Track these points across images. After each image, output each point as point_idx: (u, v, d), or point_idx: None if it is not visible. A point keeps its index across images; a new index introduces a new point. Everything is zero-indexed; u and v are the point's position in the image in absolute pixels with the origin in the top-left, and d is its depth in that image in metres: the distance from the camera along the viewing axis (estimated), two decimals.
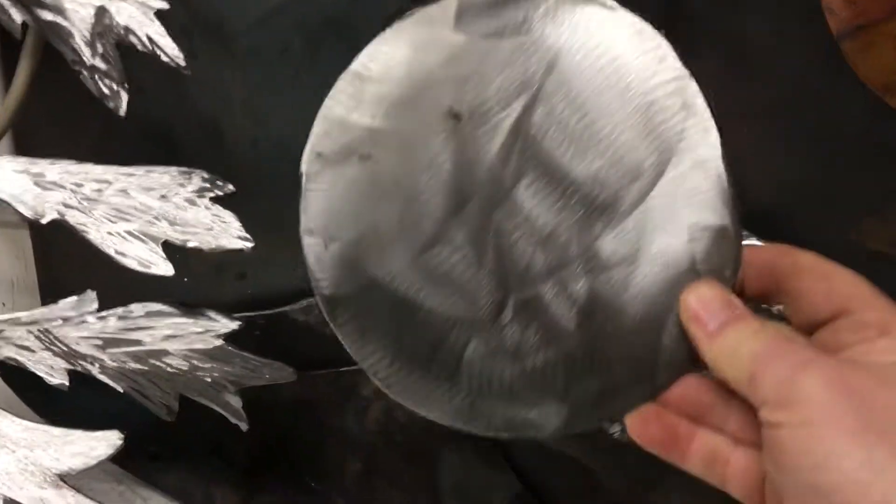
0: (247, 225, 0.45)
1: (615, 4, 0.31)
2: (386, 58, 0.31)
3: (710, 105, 0.30)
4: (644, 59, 0.30)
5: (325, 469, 0.56)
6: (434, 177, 0.31)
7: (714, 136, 0.30)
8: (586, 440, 0.51)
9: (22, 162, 0.44)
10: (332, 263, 0.32)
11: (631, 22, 0.31)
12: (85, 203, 0.44)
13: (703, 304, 0.29)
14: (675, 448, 0.31)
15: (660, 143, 0.30)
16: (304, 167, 0.32)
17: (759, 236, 0.47)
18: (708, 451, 0.31)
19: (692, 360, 0.31)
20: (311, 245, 0.32)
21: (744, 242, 0.49)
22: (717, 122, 0.31)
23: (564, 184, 0.31)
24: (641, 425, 0.31)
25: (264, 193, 0.51)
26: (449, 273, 0.32)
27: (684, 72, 0.30)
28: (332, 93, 0.32)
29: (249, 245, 0.44)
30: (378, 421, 0.55)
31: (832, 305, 0.30)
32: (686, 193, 0.30)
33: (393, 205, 0.32)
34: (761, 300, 0.31)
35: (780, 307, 0.33)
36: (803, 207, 0.49)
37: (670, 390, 0.31)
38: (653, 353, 0.30)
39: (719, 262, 0.30)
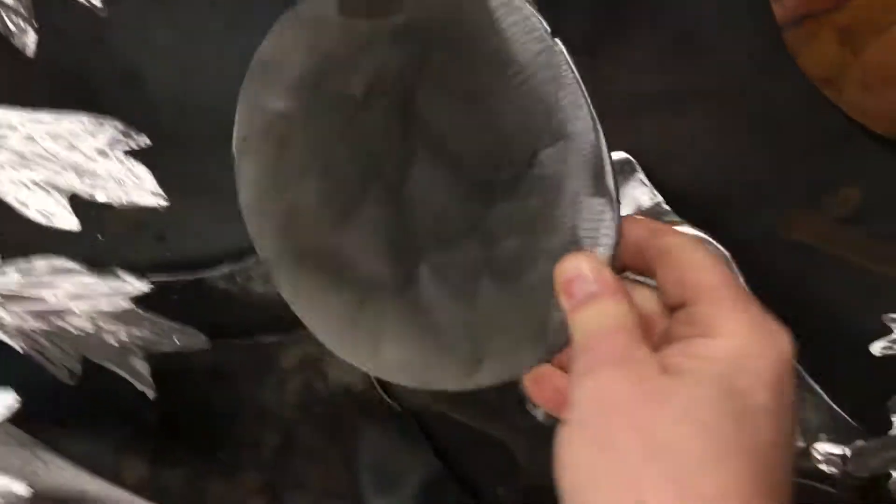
0: (165, 183, 0.43)
1: None
2: (282, 44, 0.33)
3: (577, 77, 0.30)
4: (516, 31, 0.30)
5: (240, 442, 0.54)
6: (342, 155, 0.33)
7: (584, 109, 0.30)
8: (506, 420, 0.51)
9: None
10: (265, 234, 0.34)
11: None
12: None
13: (573, 275, 0.29)
14: (562, 407, 0.30)
15: (537, 116, 0.31)
16: (234, 148, 0.34)
17: (689, 221, 0.47)
18: None
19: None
20: (247, 218, 0.34)
21: (679, 228, 0.48)
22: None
23: (452, 161, 0.32)
24: (535, 386, 0.32)
25: (186, 150, 0.49)
26: (363, 243, 0.33)
27: (551, 42, 0.30)
28: (245, 82, 0.34)
29: (164, 203, 0.42)
30: (298, 393, 0.53)
31: (679, 293, 0.29)
32: (568, 166, 0.30)
33: (311, 180, 0.33)
34: (637, 273, 0.31)
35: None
36: (735, 195, 0.48)
37: (560, 351, 0.31)
38: (545, 318, 0.31)
39: (598, 234, 0.30)
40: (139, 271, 0.46)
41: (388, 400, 0.52)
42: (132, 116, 0.43)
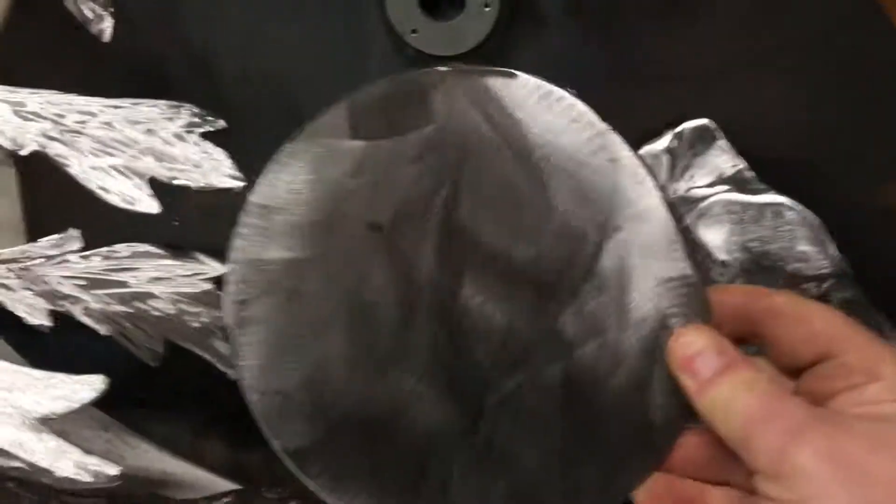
0: (239, 165, 0.43)
1: (513, 71, 0.29)
2: (288, 183, 0.29)
3: (635, 153, 0.29)
4: (558, 124, 0.28)
5: None
6: (372, 296, 0.29)
7: (649, 184, 0.28)
8: None
9: (0, 91, 0.42)
10: (288, 416, 0.30)
11: (535, 86, 0.28)
12: (67, 135, 0.41)
13: (694, 351, 0.27)
14: None
15: (596, 206, 0.28)
16: (228, 320, 0.30)
17: (780, 191, 0.45)
18: None
19: (687, 415, 0.29)
20: (259, 403, 0.30)
21: (761, 196, 0.47)
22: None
23: (509, 272, 0.29)
24: (653, 501, 0.29)
25: (257, 131, 0.49)
26: (413, 392, 0.29)
27: (603, 126, 0.28)
28: (239, 230, 0.30)
29: (241, 185, 0.42)
30: None
31: (814, 349, 0.28)
32: (636, 250, 0.28)
33: (336, 334, 0.29)
34: (737, 343, 0.29)
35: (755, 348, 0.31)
36: (823, 160, 0.46)
37: (671, 454, 0.29)
38: (644, 419, 0.29)
39: (689, 312, 0.28)
40: (214, 255, 0.46)
41: None
42: (203, 99, 0.43)
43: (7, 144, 0.41)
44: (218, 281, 0.44)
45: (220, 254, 0.47)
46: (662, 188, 0.29)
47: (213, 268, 0.44)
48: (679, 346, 0.28)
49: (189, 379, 0.52)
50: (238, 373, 0.30)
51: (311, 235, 0.29)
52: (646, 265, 0.28)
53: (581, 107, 0.28)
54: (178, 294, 0.44)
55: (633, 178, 0.28)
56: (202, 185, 0.41)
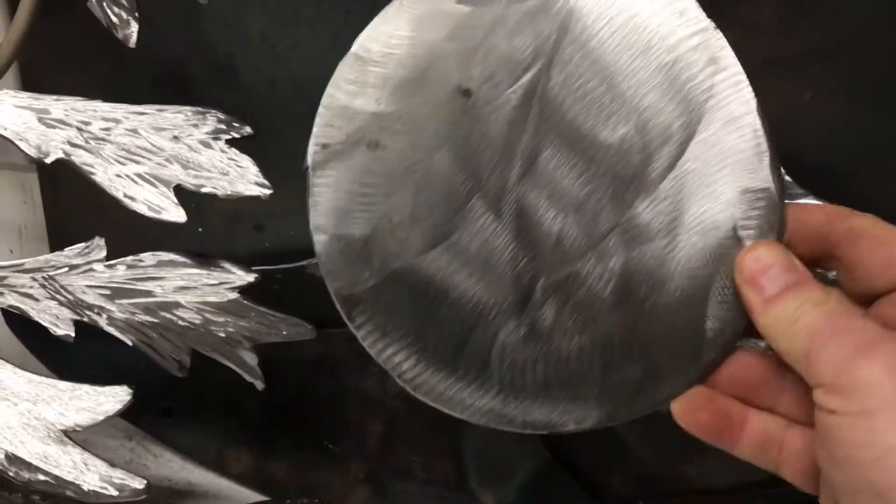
0: (263, 171, 0.42)
1: None
2: (387, 37, 0.29)
3: (735, 59, 0.28)
4: (663, 14, 0.28)
5: (344, 431, 0.53)
6: (447, 159, 0.29)
7: (746, 90, 0.28)
8: None
9: (25, 97, 0.41)
10: (347, 260, 0.30)
11: None
12: (92, 142, 0.41)
13: (763, 266, 0.27)
14: (727, 435, 0.29)
15: (688, 103, 0.28)
16: (309, 160, 0.30)
17: (815, 194, 0.44)
18: (760, 435, 0.28)
19: (743, 330, 0.28)
20: (324, 243, 0.30)
21: (799, 200, 0.46)
22: (748, 75, 0.28)
23: (589, 153, 0.29)
24: (690, 413, 0.28)
25: (281, 138, 0.48)
26: (472, 259, 0.30)
27: (708, 23, 0.28)
28: (334, 79, 0.30)
29: (267, 192, 0.41)
30: None
31: (893, 274, 0.27)
32: (721, 155, 0.28)
33: (406, 192, 0.30)
34: (810, 266, 0.28)
35: (833, 273, 0.30)
36: (864, 162, 0.45)
37: (718, 370, 0.28)
38: (697, 329, 0.28)
39: (763, 226, 0.28)
40: (238, 262, 0.45)
41: None
42: (228, 105, 0.43)
43: (32, 152, 0.41)
44: (244, 290, 0.44)
45: (244, 261, 0.46)
46: (755, 99, 0.28)
47: (240, 276, 0.43)
48: (748, 260, 0.27)
49: (215, 388, 0.52)
50: (309, 213, 0.30)
51: (401, 91, 0.29)
52: (729, 171, 0.28)
53: (689, 2, 0.28)
54: (204, 303, 0.43)
55: (731, 80, 0.28)
56: (229, 193, 0.40)
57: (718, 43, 0.28)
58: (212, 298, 0.43)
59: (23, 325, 0.51)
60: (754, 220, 0.28)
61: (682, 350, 0.28)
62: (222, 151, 0.41)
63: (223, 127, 0.41)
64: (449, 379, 0.30)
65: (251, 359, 0.46)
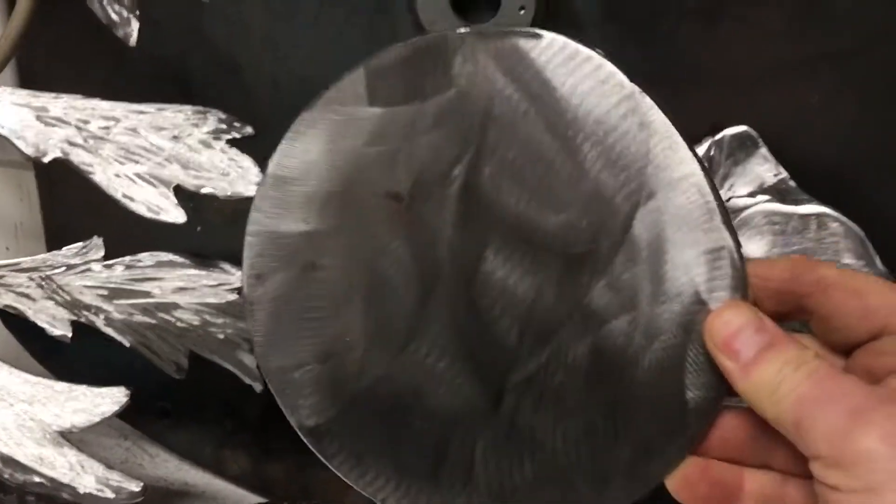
0: (264, 172, 0.41)
1: (538, 31, 0.27)
2: (303, 153, 0.28)
3: (667, 119, 0.27)
4: (587, 85, 0.27)
5: None
6: (391, 269, 0.28)
7: (683, 151, 0.27)
8: None
9: (23, 95, 0.40)
10: (307, 392, 0.29)
11: (560, 47, 0.27)
12: (91, 141, 0.40)
13: (733, 330, 0.26)
14: (727, 502, 0.28)
15: (628, 172, 0.27)
16: (245, 292, 0.29)
17: (826, 202, 0.43)
18: (759, 495, 0.28)
19: (724, 396, 0.27)
20: (276, 378, 0.29)
21: (804, 206, 0.45)
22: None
23: (535, 241, 0.27)
24: (687, 488, 0.27)
25: (280, 138, 0.48)
26: (434, 368, 0.28)
27: (633, 88, 0.27)
28: (255, 203, 0.29)
29: None
30: None
31: (868, 325, 0.26)
32: (670, 220, 0.27)
33: (354, 310, 0.28)
34: (781, 322, 0.27)
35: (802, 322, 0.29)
36: (873, 168, 0.45)
37: (706, 437, 0.28)
38: (679, 401, 0.27)
39: (725, 286, 0.26)
40: (237, 263, 0.45)
41: None
42: (229, 104, 0.42)
43: (29, 151, 0.40)
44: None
45: (239, 262, 0.46)
46: (698, 156, 0.27)
47: (238, 277, 0.43)
48: (716, 326, 0.26)
49: (212, 389, 0.51)
50: (254, 348, 0.29)
51: (327, 207, 0.28)
52: (681, 235, 0.27)
53: (609, 67, 0.27)
54: (203, 305, 0.43)
55: (665, 143, 0.27)
56: (229, 193, 0.40)
57: (646, 106, 0.27)
58: (211, 300, 0.43)
59: (19, 325, 0.51)
60: (717, 280, 0.27)
61: (668, 424, 0.27)
62: (223, 152, 0.40)
63: (224, 127, 0.40)
64: (435, 496, 0.28)
65: (250, 361, 0.45)
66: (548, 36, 0.27)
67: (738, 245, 0.27)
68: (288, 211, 0.28)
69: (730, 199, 0.45)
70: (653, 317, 0.27)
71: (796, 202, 0.44)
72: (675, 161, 0.26)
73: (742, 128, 0.44)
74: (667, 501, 0.28)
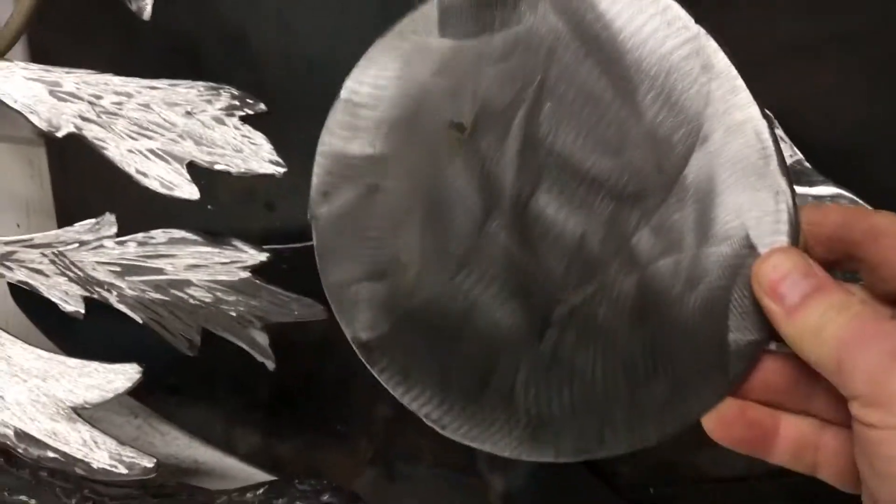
0: (276, 149, 0.41)
1: None
2: (374, 79, 0.29)
3: (730, 63, 0.27)
4: (651, 26, 0.27)
5: (352, 412, 0.53)
6: (449, 196, 0.29)
7: (744, 95, 0.27)
8: None
9: (35, 69, 0.40)
10: (361, 306, 0.30)
11: None
12: (104, 117, 0.40)
13: (781, 274, 0.26)
14: (762, 445, 0.28)
15: (685, 114, 0.27)
16: (311, 210, 0.30)
17: (839, 183, 0.43)
18: (795, 441, 0.28)
19: (767, 340, 0.27)
20: (334, 290, 0.30)
21: (818, 188, 0.45)
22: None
23: (588, 179, 0.28)
24: (723, 428, 0.28)
25: (295, 115, 0.47)
26: (484, 295, 0.29)
27: (698, 30, 0.27)
28: (327, 125, 0.30)
29: (282, 170, 0.40)
30: None
31: None
32: (725, 163, 0.27)
33: (412, 231, 0.29)
34: (831, 269, 0.27)
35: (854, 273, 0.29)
36: (886, 151, 0.44)
37: (746, 380, 0.28)
38: (721, 343, 0.27)
39: (776, 231, 0.27)
40: (249, 241, 0.45)
41: None
42: (241, 81, 0.42)
43: (43, 126, 0.40)
44: (255, 269, 0.43)
45: (255, 240, 0.46)
46: (756, 103, 0.27)
47: (251, 255, 0.43)
48: (764, 269, 0.26)
49: (222, 366, 0.51)
50: (317, 262, 0.30)
51: (394, 132, 0.29)
52: (735, 178, 0.27)
53: (676, 8, 0.27)
54: (216, 282, 0.43)
55: (727, 86, 0.27)
56: (242, 170, 0.40)
57: (710, 49, 0.27)
58: (223, 277, 0.42)
59: (30, 301, 0.51)
60: (766, 224, 0.27)
61: (708, 365, 0.28)
62: (236, 128, 0.40)
63: (237, 103, 0.40)
64: (477, 415, 0.29)
65: (262, 338, 0.45)
66: None
67: (792, 191, 0.27)
68: (356, 134, 0.29)
69: None
70: (700, 258, 0.27)
71: (811, 183, 0.43)
72: (736, 105, 0.27)
73: None
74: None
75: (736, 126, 0.27)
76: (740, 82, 0.27)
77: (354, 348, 0.30)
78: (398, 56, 0.29)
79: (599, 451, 0.29)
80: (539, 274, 0.29)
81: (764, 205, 0.27)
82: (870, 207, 0.43)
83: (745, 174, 0.27)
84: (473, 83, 0.28)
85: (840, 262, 0.28)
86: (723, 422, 0.28)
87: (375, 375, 0.30)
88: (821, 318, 0.25)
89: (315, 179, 0.30)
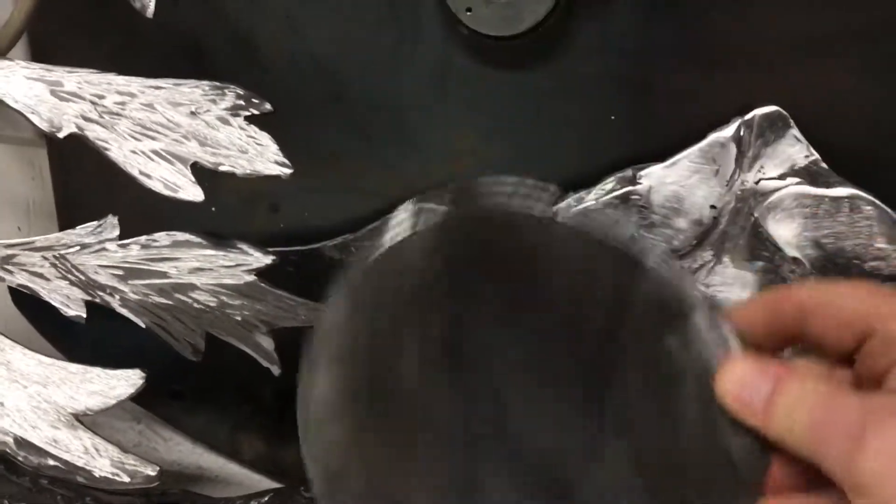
0: (281, 149, 0.41)
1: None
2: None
3: None
4: None
5: None
6: None
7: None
8: None
9: (36, 68, 0.39)
10: None
11: None
12: (106, 117, 0.39)
13: (739, 384, 0.26)
14: None
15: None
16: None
17: (854, 182, 0.42)
18: None
19: (767, 445, 0.27)
20: None
21: (835, 189, 0.44)
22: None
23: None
24: None
25: (300, 116, 0.47)
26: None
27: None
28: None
29: (288, 171, 0.39)
30: None
31: (853, 332, 0.26)
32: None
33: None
34: (776, 351, 0.28)
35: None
36: None
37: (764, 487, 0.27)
38: (727, 463, 0.27)
39: (722, 345, 0.27)
40: (254, 243, 0.44)
41: None
42: (247, 81, 0.41)
43: (44, 126, 0.39)
44: (260, 272, 0.42)
45: (258, 243, 0.45)
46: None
47: (257, 258, 0.42)
48: (726, 384, 0.26)
49: (226, 372, 0.51)
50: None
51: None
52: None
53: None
54: (220, 286, 0.42)
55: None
56: (248, 171, 0.39)
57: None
58: (228, 280, 0.42)
59: (31, 305, 0.50)
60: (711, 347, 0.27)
61: (725, 489, 0.27)
62: (241, 129, 0.39)
63: (242, 103, 0.39)
64: None
65: (267, 343, 0.44)
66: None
67: (710, 306, 0.27)
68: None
69: (759, 180, 0.43)
70: (675, 407, 0.27)
71: (828, 184, 0.43)
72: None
73: (772, 108, 0.43)
74: None
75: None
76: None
77: None
78: None
79: None
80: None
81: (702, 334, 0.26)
82: (889, 210, 0.42)
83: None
84: None
85: (789, 341, 0.28)
86: None
87: None
88: (789, 412, 0.25)
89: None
